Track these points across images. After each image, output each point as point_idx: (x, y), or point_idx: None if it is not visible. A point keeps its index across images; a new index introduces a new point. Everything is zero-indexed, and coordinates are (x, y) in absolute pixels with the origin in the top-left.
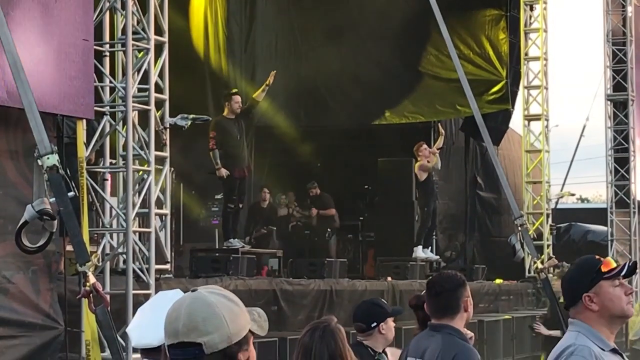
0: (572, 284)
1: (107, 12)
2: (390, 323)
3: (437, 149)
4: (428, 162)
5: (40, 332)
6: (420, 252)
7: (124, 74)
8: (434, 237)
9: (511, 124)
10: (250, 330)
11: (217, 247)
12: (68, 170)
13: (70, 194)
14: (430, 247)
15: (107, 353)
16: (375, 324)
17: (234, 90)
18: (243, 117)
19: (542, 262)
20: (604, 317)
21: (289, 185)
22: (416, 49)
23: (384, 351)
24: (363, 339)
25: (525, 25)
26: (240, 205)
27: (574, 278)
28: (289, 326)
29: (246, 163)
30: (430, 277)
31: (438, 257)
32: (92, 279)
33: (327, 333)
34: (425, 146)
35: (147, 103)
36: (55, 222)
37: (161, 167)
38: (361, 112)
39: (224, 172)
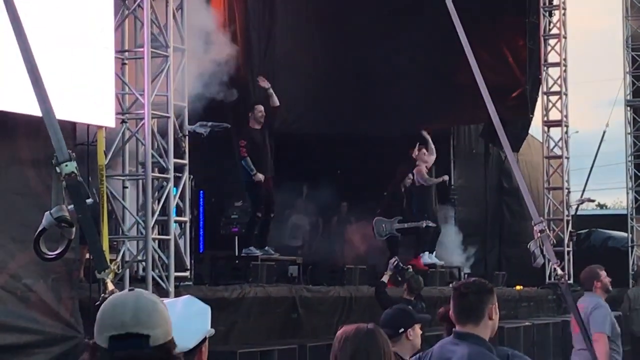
0: None
1: (127, 20)
2: (417, 330)
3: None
4: (426, 167)
5: (60, 341)
6: (426, 258)
7: (143, 81)
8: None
9: (531, 131)
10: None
11: (236, 254)
12: (90, 178)
13: (89, 200)
14: (435, 252)
15: None
16: (402, 329)
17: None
18: (267, 127)
19: (562, 269)
20: None
21: (309, 193)
22: (443, 58)
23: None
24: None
25: (544, 32)
26: (272, 215)
27: None
28: (308, 333)
29: (270, 172)
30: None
31: (442, 262)
32: (110, 286)
33: (375, 332)
34: (424, 150)
35: (166, 110)
36: (74, 229)
37: (180, 174)
38: (384, 121)
39: (260, 176)
